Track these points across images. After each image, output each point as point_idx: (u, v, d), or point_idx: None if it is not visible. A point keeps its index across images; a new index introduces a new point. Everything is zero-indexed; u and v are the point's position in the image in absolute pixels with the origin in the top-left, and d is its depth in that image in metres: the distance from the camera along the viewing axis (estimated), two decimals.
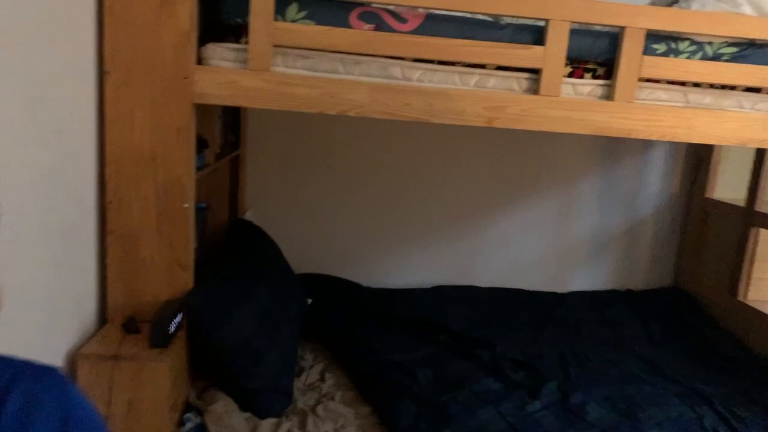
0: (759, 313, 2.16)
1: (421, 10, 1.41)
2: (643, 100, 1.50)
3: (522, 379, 1.78)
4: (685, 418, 1.70)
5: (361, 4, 1.38)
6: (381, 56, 1.41)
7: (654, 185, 2.58)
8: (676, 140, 1.51)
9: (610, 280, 2.61)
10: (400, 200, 2.46)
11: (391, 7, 1.39)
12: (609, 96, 1.47)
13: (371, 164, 2.43)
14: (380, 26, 1.39)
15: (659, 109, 1.49)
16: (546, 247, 2.58)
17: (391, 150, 2.42)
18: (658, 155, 2.56)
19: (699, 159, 2.50)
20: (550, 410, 1.63)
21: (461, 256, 2.53)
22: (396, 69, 1.42)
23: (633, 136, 1.49)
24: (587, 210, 2.56)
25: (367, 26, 1.38)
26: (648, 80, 1.49)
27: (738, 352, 2.12)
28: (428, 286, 2.43)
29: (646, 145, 2.52)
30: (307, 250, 2.39)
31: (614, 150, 2.52)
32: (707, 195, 2.46)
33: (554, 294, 2.50)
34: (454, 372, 1.78)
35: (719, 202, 2.41)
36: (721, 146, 2.41)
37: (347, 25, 1.37)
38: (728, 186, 2.44)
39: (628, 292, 2.57)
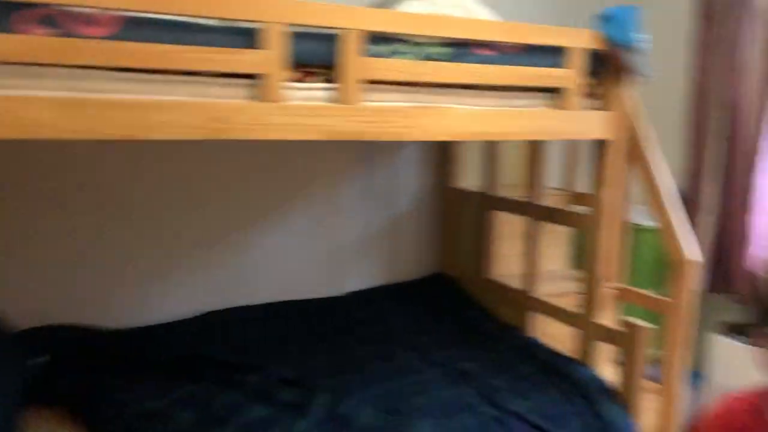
0: (503, 287, 2.39)
1: (117, 13, 1.22)
2: (372, 101, 1.50)
3: (293, 399, 1.70)
4: (450, 401, 1.78)
5: (37, 6, 1.15)
6: (71, 66, 1.19)
7: (411, 180, 2.69)
8: (408, 139, 1.54)
9: (382, 276, 2.67)
10: (148, 226, 2.20)
11: (77, 10, 1.18)
12: (338, 100, 1.45)
13: (112, 190, 2.12)
14: (65, 32, 1.17)
15: (388, 110, 1.51)
16: (318, 253, 2.54)
17: (131, 171, 2.15)
18: (412, 151, 2.67)
19: (445, 152, 2.67)
20: (319, 425, 1.58)
21: (231, 275, 2.36)
22: (92, 81, 1.22)
23: (366, 138, 1.49)
24: (353, 210, 2.58)
25: (46, 32, 1.15)
26: (375, 82, 1.50)
27: (491, 325, 2.31)
28: (195, 315, 2.22)
29: (398, 142, 2.62)
30: (41, 301, 2.01)
31: (371, 149, 2.57)
32: (455, 185, 2.65)
33: (330, 299, 2.47)
34: (219, 407, 1.63)
35: (464, 190, 2.60)
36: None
37: (18, 32, 1.13)
38: (473, 175, 2.64)
39: (399, 285, 2.65)
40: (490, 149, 2.43)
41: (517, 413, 1.74)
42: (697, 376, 2.54)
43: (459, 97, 1.60)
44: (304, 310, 2.33)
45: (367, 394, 1.76)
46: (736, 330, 2.39)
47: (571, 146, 2.55)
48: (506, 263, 2.45)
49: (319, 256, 2.54)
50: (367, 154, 2.57)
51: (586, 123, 1.78)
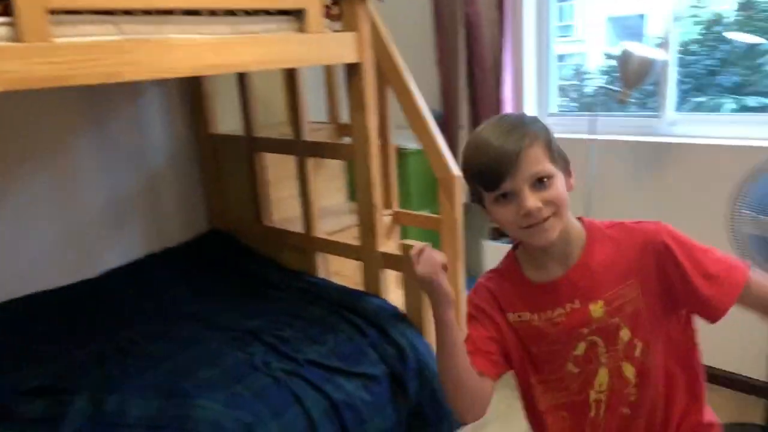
0: (283, 232, 2.26)
1: None
2: (68, 37, 1.20)
3: (43, 411, 1.42)
4: (238, 364, 1.64)
5: None
6: None
7: (160, 130, 2.37)
8: (124, 80, 1.28)
9: (146, 245, 2.35)
10: None
11: None
12: (18, 38, 1.13)
13: None
14: None
15: (93, 46, 1.23)
16: (58, 231, 2.13)
17: None
18: (154, 97, 2.34)
19: (195, 95, 2.39)
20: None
21: None
22: None
23: (69, 83, 1.20)
24: (94, 174, 2.20)
25: None
26: (70, 12, 1.20)
27: (276, 275, 2.19)
28: None
29: (137, 88, 2.27)
30: None
31: (103, 99, 2.19)
32: (213, 130, 2.40)
33: (83, 282, 2.11)
34: None
35: (224, 135, 2.38)
36: (213, 79, 2.33)
37: None
38: (232, 117, 2.40)
39: (167, 252, 2.37)
40: (245, 86, 2.22)
41: (312, 360, 1.67)
42: (474, 280, 2.74)
43: (182, 26, 1.36)
44: (51, 302, 1.96)
45: (138, 382, 1.53)
46: (499, 233, 2.59)
47: (330, 75, 2.45)
48: (283, 207, 2.32)
49: (60, 235, 2.13)
50: (100, 103, 2.18)
51: (331, 47, 1.67)
